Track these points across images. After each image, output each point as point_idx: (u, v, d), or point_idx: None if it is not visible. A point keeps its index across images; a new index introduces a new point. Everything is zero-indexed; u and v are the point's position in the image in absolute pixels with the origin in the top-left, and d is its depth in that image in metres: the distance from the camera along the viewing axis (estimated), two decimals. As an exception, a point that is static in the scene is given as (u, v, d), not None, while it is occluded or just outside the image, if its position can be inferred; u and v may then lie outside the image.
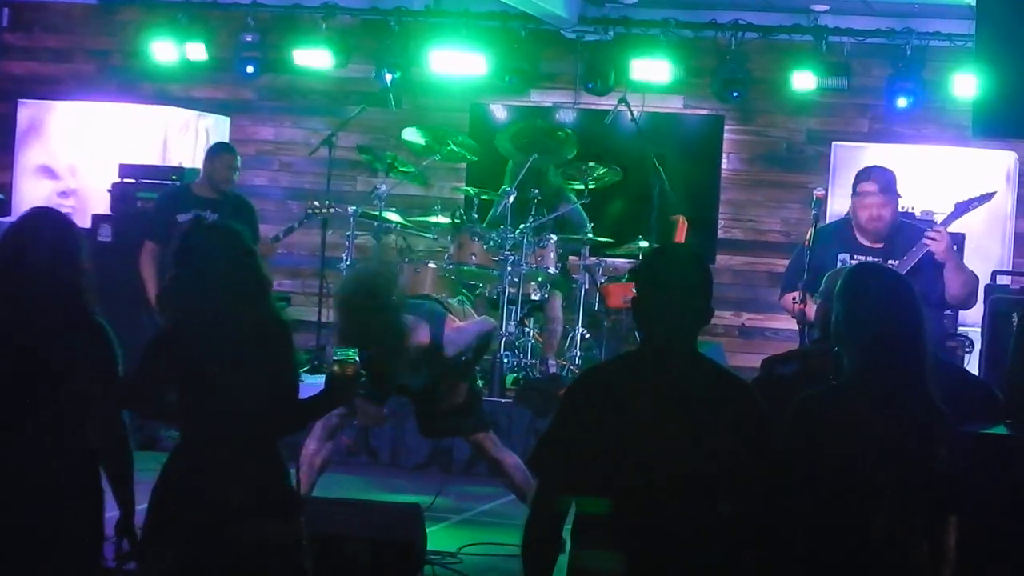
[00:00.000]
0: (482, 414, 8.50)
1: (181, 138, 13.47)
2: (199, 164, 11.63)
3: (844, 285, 4.74)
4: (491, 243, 11.31)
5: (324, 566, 6.51)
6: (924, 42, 13.07)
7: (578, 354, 11.74)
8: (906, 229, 8.13)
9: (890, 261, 7.77)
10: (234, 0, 14.05)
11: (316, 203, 11.73)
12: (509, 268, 11.25)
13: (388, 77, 13.62)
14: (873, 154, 12.15)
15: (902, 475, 4.52)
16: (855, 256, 7.92)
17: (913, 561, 4.53)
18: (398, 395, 8.17)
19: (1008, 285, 10.88)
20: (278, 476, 5.31)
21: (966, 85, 12.17)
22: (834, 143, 13.04)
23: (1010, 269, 11.98)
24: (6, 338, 5.21)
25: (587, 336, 11.96)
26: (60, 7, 14.63)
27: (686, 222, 12.44)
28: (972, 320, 10.80)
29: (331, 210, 11.66)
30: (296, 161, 14.20)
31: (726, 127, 13.71)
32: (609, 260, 12.49)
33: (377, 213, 11.82)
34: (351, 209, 11.92)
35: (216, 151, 11.29)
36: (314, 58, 13.72)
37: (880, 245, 7.99)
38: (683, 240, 12.19)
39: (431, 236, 12.11)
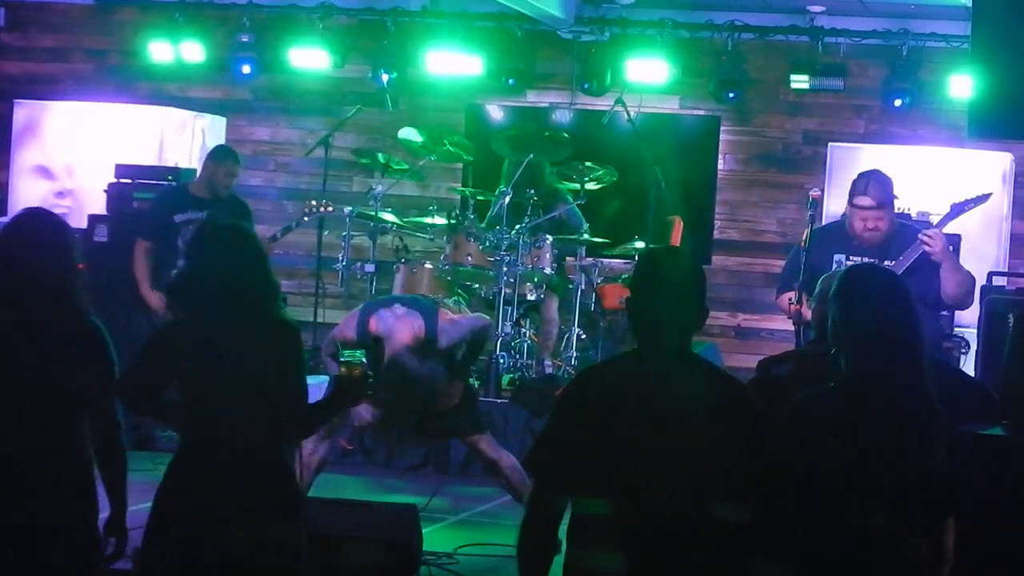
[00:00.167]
0: (478, 414, 8.51)
1: (177, 138, 13.46)
2: (195, 164, 11.63)
3: (841, 286, 4.75)
4: (487, 243, 11.30)
5: (320, 567, 6.52)
6: (920, 43, 13.07)
7: (574, 355, 11.74)
8: (902, 230, 8.14)
9: (886, 261, 7.78)
10: (230, 0, 14.04)
11: (314, 203, 11.72)
12: (505, 269, 11.24)
13: (384, 77, 13.62)
14: (869, 155, 12.16)
15: (900, 476, 4.52)
16: (851, 256, 7.93)
17: (912, 562, 4.54)
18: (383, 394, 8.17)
19: (1004, 286, 10.87)
20: (283, 479, 5.31)
21: (962, 86, 12.18)
22: (830, 144, 13.04)
23: (1006, 270, 11.98)
24: (1, 339, 5.21)
25: (583, 337, 11.95)
26: (57, 7, 14.63)
27: (682, 223, 12.43)
28: (968, 321, 10.80)
29: (328, 209, 11.66)
30: (292, 161, 14.19)
31: (722, 128, 13.71)
32: (605, 261, 12.48)
33: (373, 213, 11.82)
34: (347, 209, 11.92)
35: (221, 156, 11.28)
36: (310, 58, 13.71)
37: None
38: (679, 241, 12.19)
39: (427, 236, 12.10)
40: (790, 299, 7.85)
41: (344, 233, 11.91)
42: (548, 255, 11.46)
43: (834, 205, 11.37)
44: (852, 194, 8.01)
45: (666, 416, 4.38)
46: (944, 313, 9.67)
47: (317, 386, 5.52)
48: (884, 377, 4.57)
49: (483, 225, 11.62)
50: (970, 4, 7.53)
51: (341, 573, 6.90)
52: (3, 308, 5.23)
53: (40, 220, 5.41)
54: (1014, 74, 6.92)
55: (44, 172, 13.50)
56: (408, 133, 12.28)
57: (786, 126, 13.62)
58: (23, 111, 13.79)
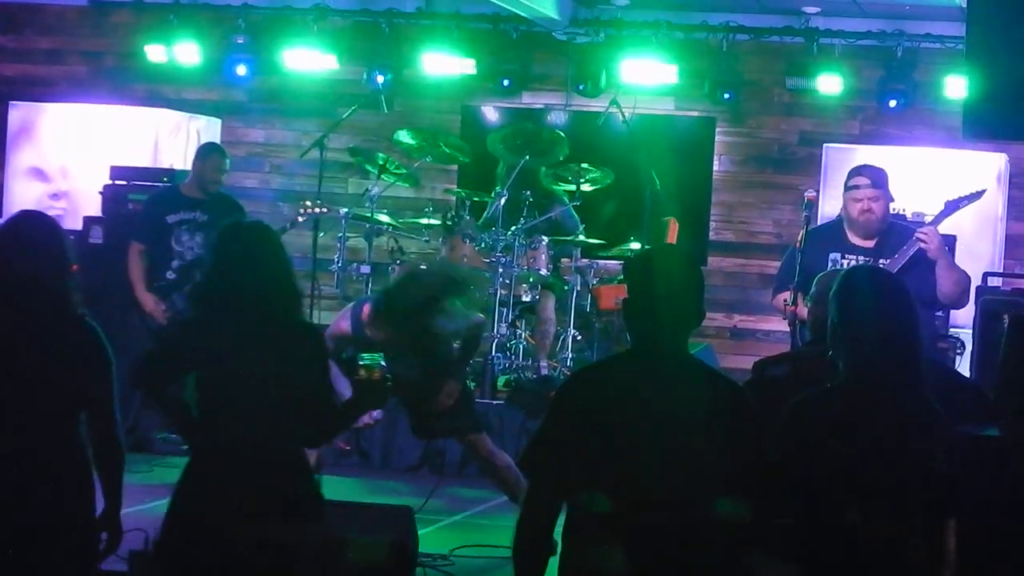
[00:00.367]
0: (474, 415, 8.51)
1: (172, 140, 13.45)
2: (190, 166, 11.63)
3: (840, 287, 4.75)
4: (483, 245, 11.31)
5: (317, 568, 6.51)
6: (915, 44, 13.08)
7: (570, 356, 11.74)
8: (897, 229, 8.16)
9: (881, 260, 7.79)
10: (225, 2, 14.04)
11: (308, 203, 11.72)
12: (501, 270, 11.26)
13: (379, 79, 13.61)
14: (864, 156, 12.13)
15: (899, 476, 4.52)
16: (847, 256, 7.94)
17: (911, 562, 4.54)
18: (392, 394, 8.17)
19: (999, 286, 10.89)
20: (303, 482, 5.30)
21: (957, 87, 12.19)
22: (825, 145, 13.04)
23: (1001, 270, 11.99)
24: (-1, 340, 5.23)
25: (579, 338, 11.96)
26: (52, 9, 14.62)
27: (677, 224, 12.44)
28: (963, 321, 10.81)
29: (323, 210, 11.65)
30: (287, 163, 14.19)
31: (718, 129, 13.71)
32: (601, 262, 12.49)
33: (369, 215, 11.82)
34: (343, 211, 11.92)
35: (206, 152, 11.29)
36: (305, 60, 13.70)
37: (871, 244, 8.00)
38: (674, 242, 12.19)
39: (423, 238, 12.11)
40: (786, 300, 7.86)
41: (339, 235, 11.91)
42: (544, 256, 11.47)
43: (829, 206, 11.38)
44: (848, 179, 8.06)
45: (661, 417, 4.39)
46: (939, 313, 9.69)
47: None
48: (883, 378, 4.57)
49: (479, 226, 11.62)
50: (965, 5, 7.54)
51: (337, 574, 6.89)
52: (0, 309, 5.24)
53: (34, 222, 5.44)
54: (1009, 74, 6.93)
55: (39, 174, 13.48)
56: (403, 136, 12.29)
57: (781, 127, 13.63)
58: (18, 113, 13.77)
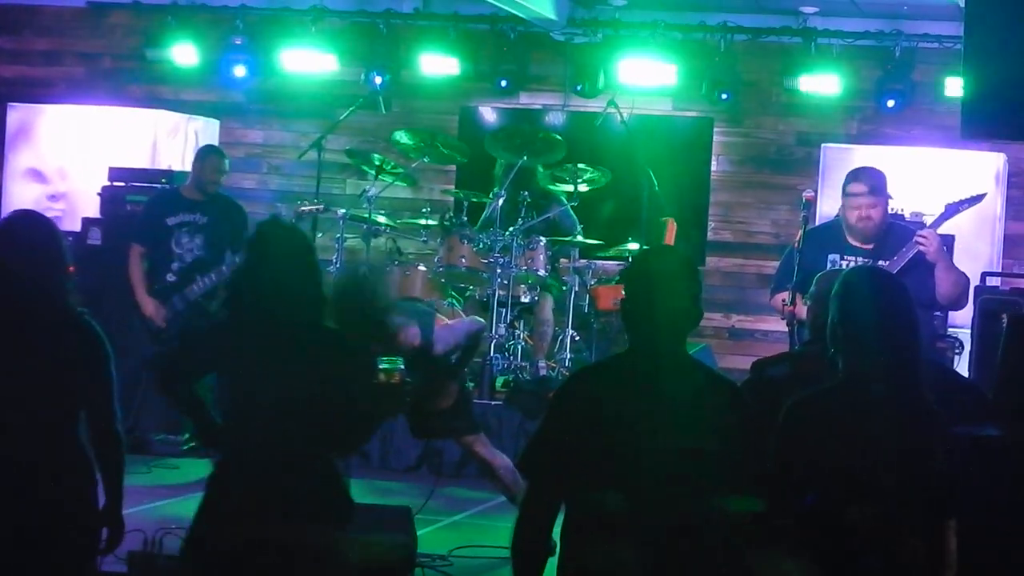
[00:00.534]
0: (472, 416, 8.51)
1: (170, 141, 13.45)
2: (189, 167, 11.63)
3: (840, 288, 4.76)
4: (481, 245, 11.31)
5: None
6: (913, 44, 13.08)
7: (568, 356, 11.74)
8: (896, 230, 8.15)
9: (880, 261, 7.78)
10: (223, 3, 14.03)
11: (306, 203, 11.71)
12: (499, 270, 11.26)
13: (377, 80, 13.61)
14: (862, 156, 12.15)
15: (899, 476, 4.52)
16: (845, 257, 7.93)
17: (912, 563, 4.54)
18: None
19: (997, 286, 10.90)
20: (330, 488, 5.29)
21: (955, 86, 12.19)
22: (823, 145, 13.04)
23: (999, 270, 11.99)
24: (-2, 340, 5.24)
25: (577, 338, 11.96)
26: (50, 10, 14.61)
27: (675, 224, 12.44)
28: (962, 321, 10.81)
29: (319, 209, 11.64)
30: (285, 164, 14.19)
31: (715, 129, 13.71)
32: (599, 262, 12.50)
33: (366, 215, 11.82)
34: (340, 211, 11.91)
35: (204, 154, 11.29)
36: (303, 61, 13.70)
37: (870, 246, 8.00)
38: (672, 242, 12.19)
39: (421, 239, 12.11)
40: (784, 300, 7.86)
41: (337, 235, 11.91)
42: (542, 257, 11.47)
43: (827, 206, 11.38)
44: (845, 184, 8.04)
45: (659, 417, 4.39)
46: (938, 314, 9.69)
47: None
48: (882, 378, 4.58)
49: (477, 227, 11.63)
50: (963, 5, 7.54)
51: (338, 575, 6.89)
52: (-2, 310, 5.25)
53: (29, 221, 5.45)
54: (1007, 74, 6.93)
55: (37, 175, 13.48)
56: (401, 137, 12.29)
57: (779, 127, 13.63)
58: (16, 114, 13.77)
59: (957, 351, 10.72)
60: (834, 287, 4.81)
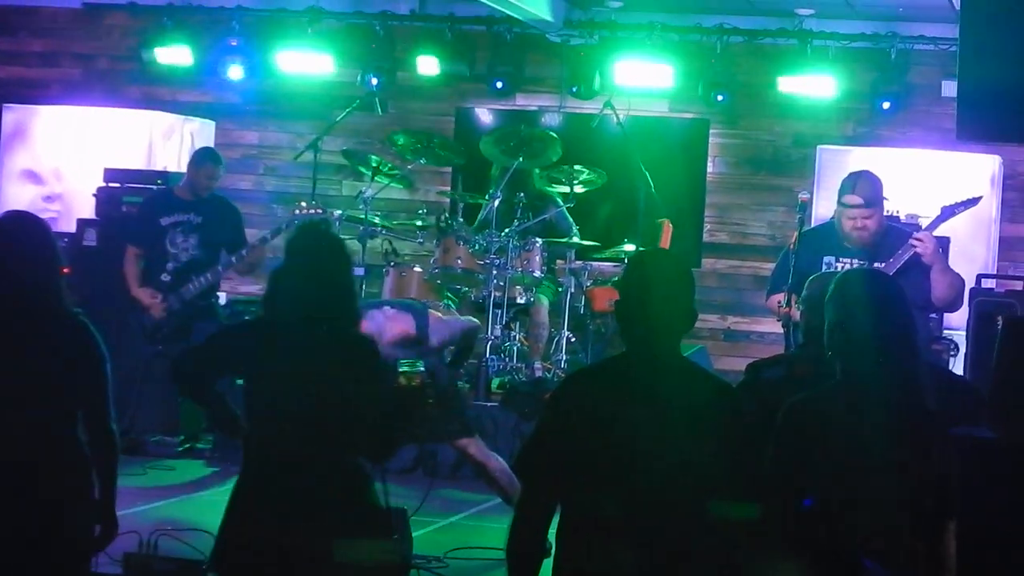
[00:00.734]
0: (466, 419, 8.51)
1: (166, 142, 13.45)
2: (184, 168, 11.62)
3: (837, 289, 4.76)
4: (477, 247, 11.31)
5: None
6: (909, 46, 13.09)
7: (564, 358, 11.73)
8: (892, 232, 8.15)
9: (876, 263, 7.79)
10: (219, 4, 14.03)
11: (303, 204, 11.70)
12: (495, 272, 11.25)
13: (373, 81, 13.60)
14: (858, 158, 12.17)
15: (897, 478, 4.52)
16: (841, 259, 7.94)
17: (911, 564, 4.53)
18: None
19: (993, 288, 10.91)
20: (360, 495, 5.28)
21: (950, 88, 12.19)
22: (819, 147, 13.05)
23: (994, 272, 12.00)
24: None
25: (573, 340, 11.95)
26: (46, 11, 14.61)
27: (671, 226, 12.44)
28: (957, 323, 10.82)
29: (317, 211, 11.63)
30: (281, 165, 14.19)
31: (711, 131, 13.72)
32: (595, 264, 12.49)
33: (363, 217, 11.81)
34: (336, 213, 11.90)
35: (200, 160, 11.28)
36: (299, 62, 13.69)
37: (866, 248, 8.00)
38: (668, 244, 12.18)
39: (416, 240, 12.11)
40: (780, 302, 7.86)
41: (334, 236, 11.88)
42: (538, 258, 11.47)
43: (823, 208, 11.38)
44: (841, 193, 8.02)
45: (654, 419, 4.39)
46: (933, 315, 9.69)
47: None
48: (879, 379, 4.58)
49: (473, 228, 11.62)
50: (958, 7, 7.54)
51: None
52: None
53: (21, 222, 5.46)
54: (1002, 76, 6.93)
55: (33, 176, 13.48)
56: (397, 138, 12.28)
57: (775, 129, 13.63)
58: (12, 115, 13.77)
59: (952, 353, 10.72)
60: (830, 289, 4.81)
